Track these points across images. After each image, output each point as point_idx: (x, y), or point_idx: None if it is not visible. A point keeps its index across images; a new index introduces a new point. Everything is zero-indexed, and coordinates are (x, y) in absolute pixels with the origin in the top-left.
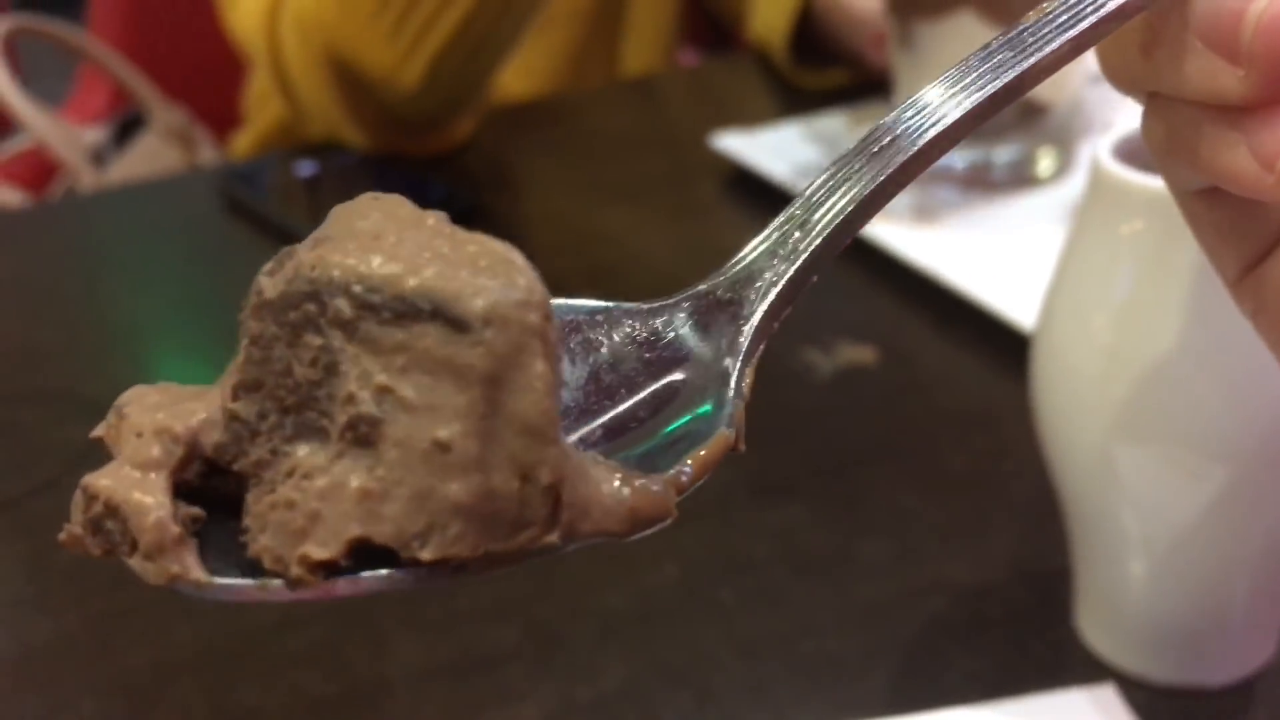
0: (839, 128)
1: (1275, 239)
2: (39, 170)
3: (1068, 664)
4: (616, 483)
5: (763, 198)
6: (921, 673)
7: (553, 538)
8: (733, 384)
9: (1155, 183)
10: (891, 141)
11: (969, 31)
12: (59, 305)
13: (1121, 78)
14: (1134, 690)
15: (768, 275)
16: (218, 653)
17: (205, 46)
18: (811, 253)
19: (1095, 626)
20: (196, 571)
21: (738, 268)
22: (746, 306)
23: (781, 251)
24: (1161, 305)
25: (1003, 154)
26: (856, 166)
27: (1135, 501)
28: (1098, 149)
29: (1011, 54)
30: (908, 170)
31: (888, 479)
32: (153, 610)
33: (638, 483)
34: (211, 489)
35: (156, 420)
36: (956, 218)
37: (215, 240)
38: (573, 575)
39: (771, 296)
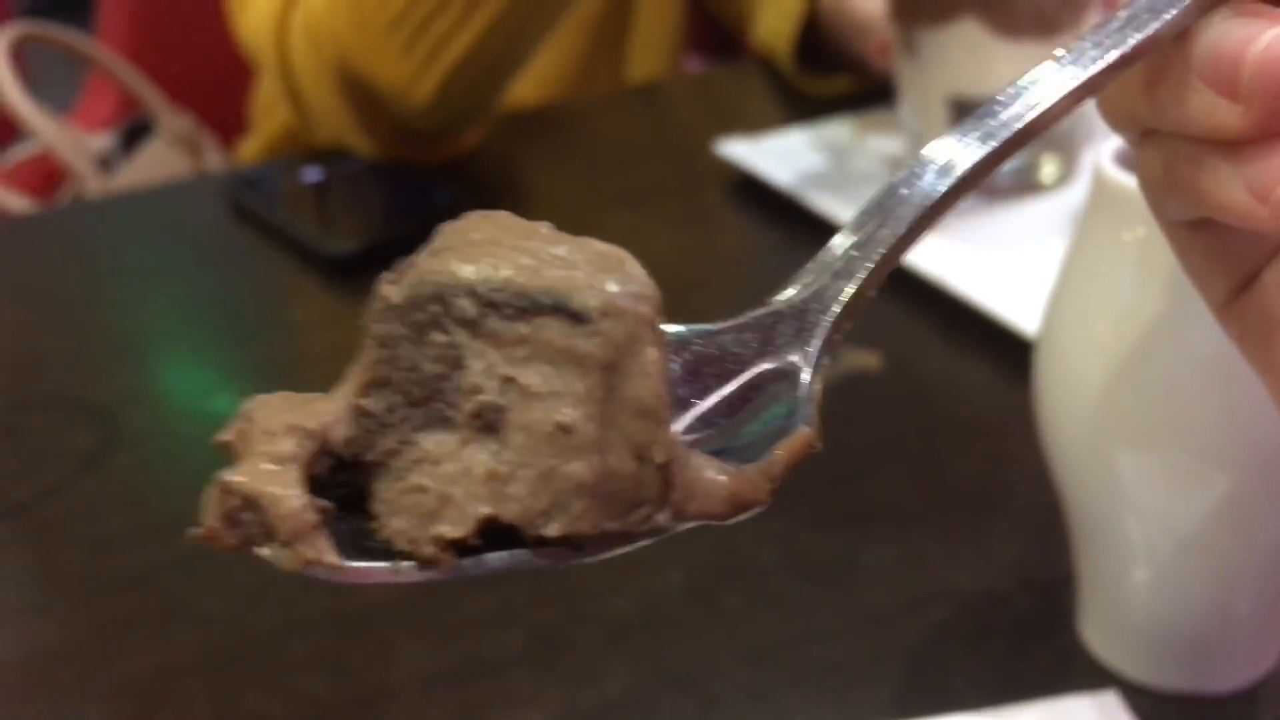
0: (844, 134)
1: (1259, 267)
2: (46, 176)
3: (1071, 671)
4: (716, 469)
5: (768, 204)
6: (926, 679)
7: (663, 516)
8: (804, 388)
9: None
10: (947, 163)
11: (972, 38)
12: (65, 311)
13: (1120, 115)
14: (1137, 697)
15: (831, 293)
16: (222, 658)
17: (212, 53)
18: (870, 271)
19: (1099, 633)
20: (331, 556)
21: (801, 287)
22: (812, 318)
23: (843, 270)
24: (1164, 312)
25: (1006, 161)
26: (904, 192)
27: (1138, 508)
28: (1100, 156)
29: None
30: (966, 184)
31: (892, 486)
32: (158, 615)
33: (735, 470)
34: (336, 485)
35: (287, 419)
36: (960, 224)
37: (222, 246)
38: (577, 580)
39: (836, 310)
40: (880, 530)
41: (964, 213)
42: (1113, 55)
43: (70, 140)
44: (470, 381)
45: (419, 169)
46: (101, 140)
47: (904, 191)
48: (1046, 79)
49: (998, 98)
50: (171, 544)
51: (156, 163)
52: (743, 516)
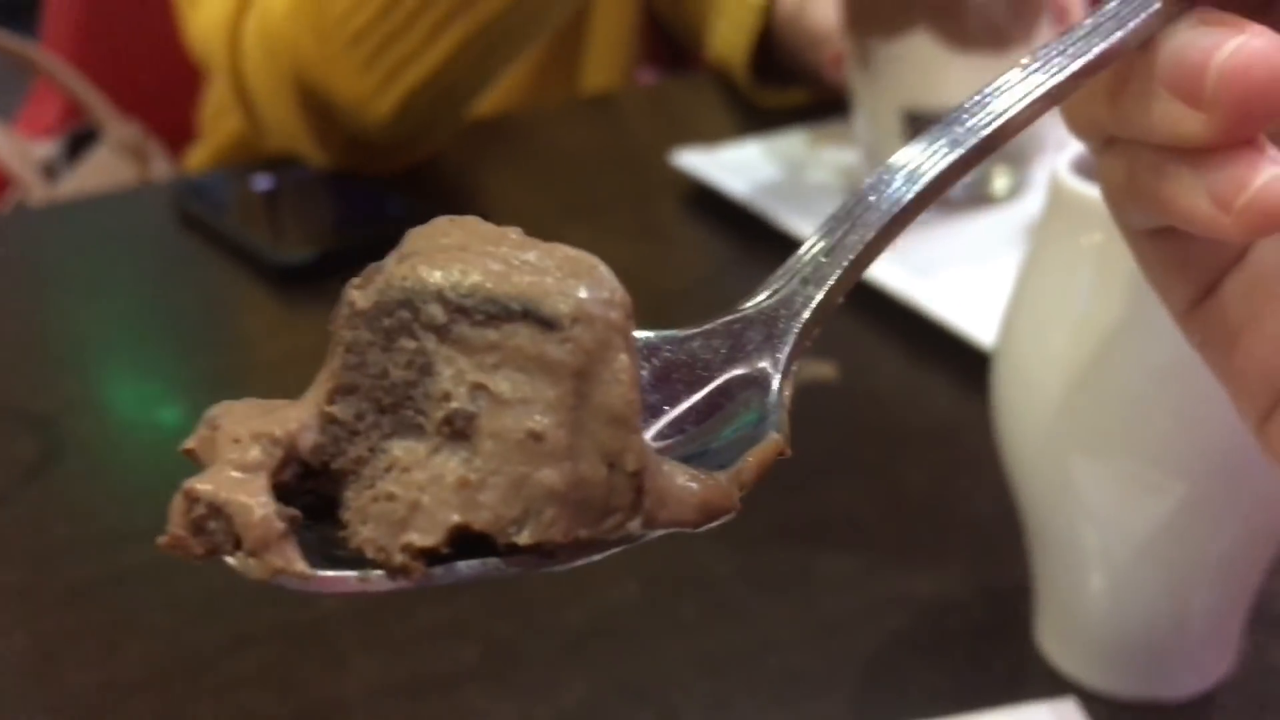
0: (799, 146)
1: (1220, 275)
2: None
3: (1028, 679)
4: (687, 477)
5: (723, 215)
6: (883, 688)
7: (635, 524)
8: (774, 394)
9: None
10: (915, 169)
11: (925, 51)
12: (8, 319)
13: (1083, 123)
14: (1094, 704)
15: (800, 299)
16: (169, 673)
17: (160, 62)
18: (839, 277)
19: (1055, 641)
20: (300, 565)
21: (770, 293)
22: (782, 325)
23: (812, 277)
24: (1121, 320)
25: (974, 168)
26: (872, 198)
27: (1094, 516)
28: (1057, 164)
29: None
30: (934, 190)
31: (848, 495)
32: (102, 629)
33: (705, 477)
34: (304, 493)
35: (253, 426)
36: (914, 237)
37: (169, 255)
38: (532, 592)
39: (806, 316)
40: (836, 539)
41: (917, 225)
42: (1078, 63)
43: (14, 147)
44: (440, 388)
45: (371, 178)
46: (46, 148)
47: (872, 198)
48: (1012, 86)
49: (964, 105)
50: (116, 556)
51: (102, 171)
52: (714, 524)
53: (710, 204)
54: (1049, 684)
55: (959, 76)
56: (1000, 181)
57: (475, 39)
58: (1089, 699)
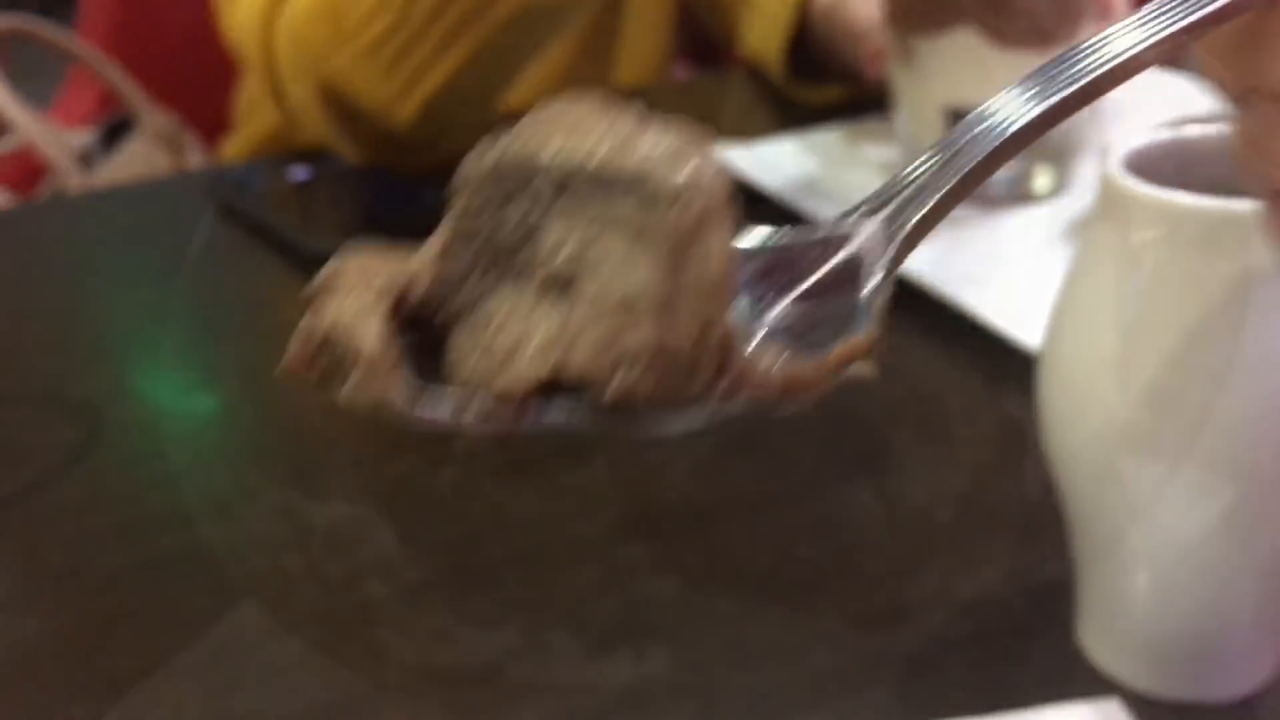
0: (836, 143)
1: None
2: (26, 171)
3: (1070, 678)
4: (772, 354)
5: (758, 212)
6: (923, 685)
7: (718, 391)
8: (870, 297)
9: (1166, 194)
10: (1028, 97)
11: (969, 48)
12: (45, 306)
13: (1221, 74)
14: (1138, 705)
15: (911, 208)
16: (211, 656)
17: (195, 52)
18: (943, 196)
19: (1098, 640)
20: (404, 395)
21: (875, 204)
22: (883, 234)
23: (914, 195)
24: (1171, 319)
25: (1000, 170)
26: (981, 126)
27: (1142, 516)
28: (1108, 161)
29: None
30: (1041, 123)
31: (888, 491)
32: (144, 613)
33: (790, 355)
34: (410, 336)
35: (372, 272)
36: (954, 233)
37: (206, 245)
38: (571, 582)
39: (914, 221)
40: (875, 536)
41: (957, 222)
42: (1200, 13)
43: (51, 136)
44: (546, 249)
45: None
46: (82, 137)
47: (981, 126)
48: (1130, 31)
49: (1078, 46)
50: (156, 542)
51: (138, 160)
52: (793, 405)
53: (746, 200)
54: (1091, 683)
55: (1003, 74)
56: (1041, 180)
57: (491, 43)
58: (1132, 699)
